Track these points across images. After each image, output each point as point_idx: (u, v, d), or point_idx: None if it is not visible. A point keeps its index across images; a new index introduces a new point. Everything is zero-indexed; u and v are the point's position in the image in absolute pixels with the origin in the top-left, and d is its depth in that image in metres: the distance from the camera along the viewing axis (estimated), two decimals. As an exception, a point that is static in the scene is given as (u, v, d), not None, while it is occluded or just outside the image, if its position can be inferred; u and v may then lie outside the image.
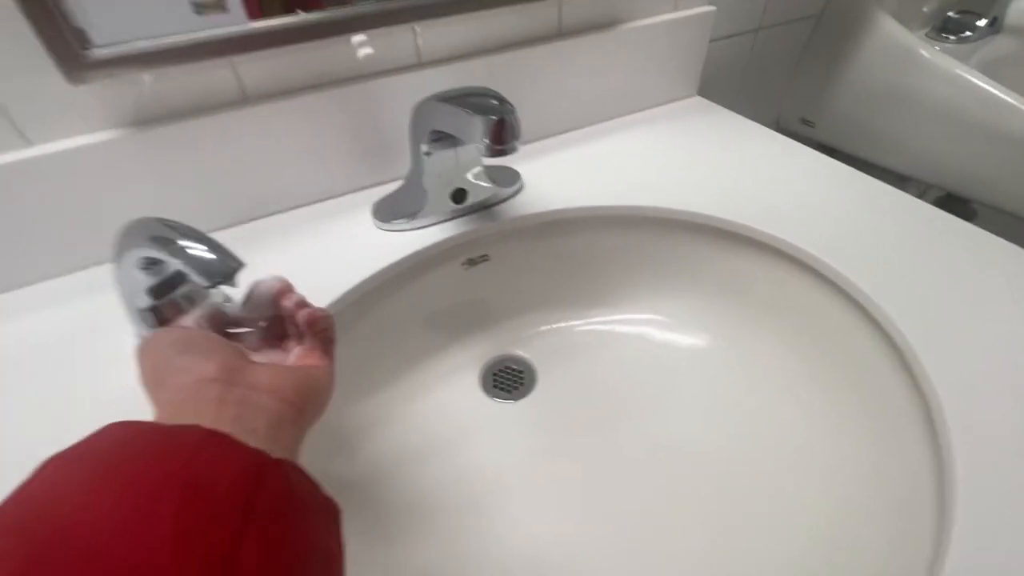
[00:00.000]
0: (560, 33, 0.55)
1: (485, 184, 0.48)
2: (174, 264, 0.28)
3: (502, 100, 0.37)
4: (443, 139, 0.43)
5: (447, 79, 0.49)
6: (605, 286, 0.56)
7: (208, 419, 0.20)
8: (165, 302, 0.34)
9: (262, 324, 0.30)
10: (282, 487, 0.19)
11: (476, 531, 0.42)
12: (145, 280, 0.33)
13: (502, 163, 0.54)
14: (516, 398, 0.51)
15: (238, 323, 0.30)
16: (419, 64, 0.50)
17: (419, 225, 0.47)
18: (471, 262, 0.50)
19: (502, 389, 0.51)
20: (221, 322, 0.30)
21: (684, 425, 0.49)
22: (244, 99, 0.44)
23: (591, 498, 0.44)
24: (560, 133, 0.62)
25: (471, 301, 0.53)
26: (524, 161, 0.56)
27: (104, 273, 0.38)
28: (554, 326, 0.56)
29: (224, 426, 0.20)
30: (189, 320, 0.29)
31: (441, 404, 0.50)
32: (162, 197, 0.43)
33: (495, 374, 0.52)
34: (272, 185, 0.48)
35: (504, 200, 0.50)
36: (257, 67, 0.43)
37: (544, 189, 0.54)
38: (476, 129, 0.35)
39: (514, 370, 0.53)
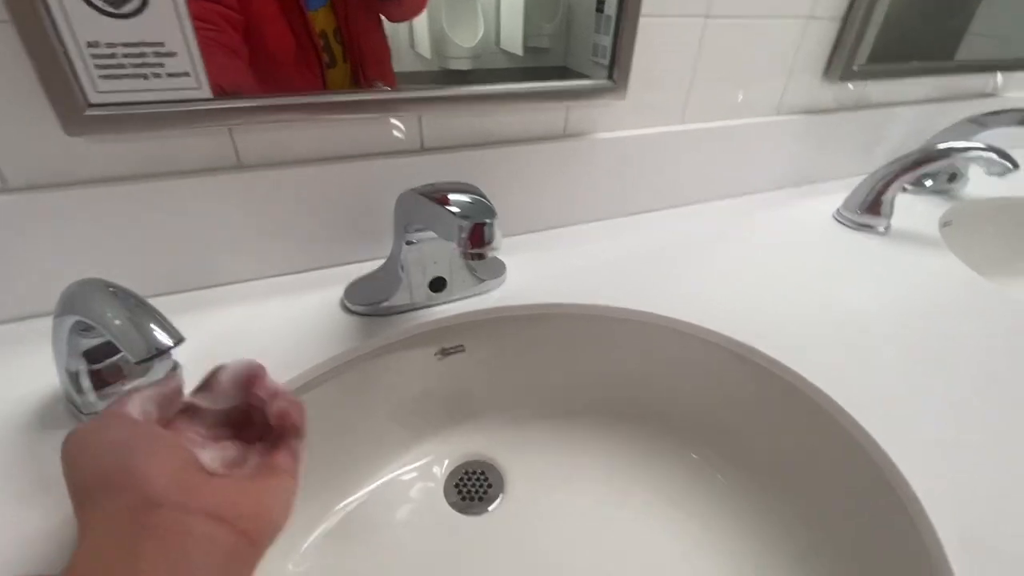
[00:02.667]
0: (565, 135, 0.54)
1: (466, 274, 0.47)
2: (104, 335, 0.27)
3: (483, 202, 0.34)
4: (425, 229, 0.43)
5: (445, 167, 0.49)
6: (580, 388, 0.53)
7: (147, 561, 0.18)
8: (107, 365, 0.32)
9: (220, 410, 0.27)
10: None
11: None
12: (82, 343, 0.30)
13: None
14: (479, 511, 0.47)
15: (193, 408, 0.26)
16: (421, 150, 0.48)
17: (390, 311, 0.44)
18: (444, 352, 0.48)
19: (466, 498, 0.48)
20: (172, 405, 0.26)
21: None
22: (238, 165, 0.43)
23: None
24: (560, 227, 0.59)
25: (442, 394, 0.50)
26: (516, 252, 0.53)
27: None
28: (527, 428, 0.53)
29: (160, 568, 0.18)
30: (134, 405, 0.24)
31: (398, 509, 0.47)
32: (132, 252, 0.42)
33: (460, 479, 0.50)
34: (248, 252, 0.46)
35: (486, 292, 0.48)
36: (254, 136, 0.42)
37: (531, 283, 0.50)
38: (454, 230, 0.33)
39: (481, 476, 0.50)
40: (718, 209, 0.65)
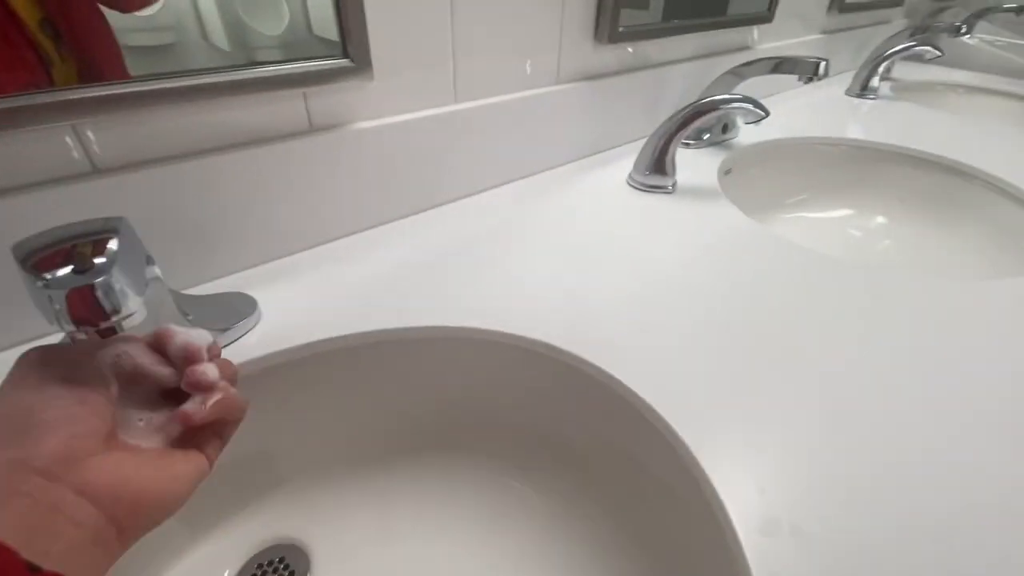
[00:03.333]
0: (312, 129, 0.45)
1: (190, 328, 0.32)
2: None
3: (92, 249, 0.23)
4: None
5: (136, 193, 0.37)
6: (382, 428, 0.45)
7: (5, 526, 0.18)
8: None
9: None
10: None
11: None
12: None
13: (225, 290, 0.42)
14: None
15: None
16: (93, 172, 0.36)
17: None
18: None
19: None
20: (140, 372, 0.23)
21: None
22: None
23: None
24: (326, 242, 0.50)
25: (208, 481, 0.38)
26: (270, 284, 0.43)
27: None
28: (329, 491, 0.44)
29: (15, 538, 0.17)
30: (108, 352, 0.22)
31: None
32: None
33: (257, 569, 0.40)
34: None
35: (232, 342, 0.38)
36: None
37: (295, 318, 0.40)
38: (45, 305, 0.22)
39: (279, 564, 0.41)
40: (508, 194, 0.60)
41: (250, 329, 0.39)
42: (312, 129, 0.45)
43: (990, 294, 0.46)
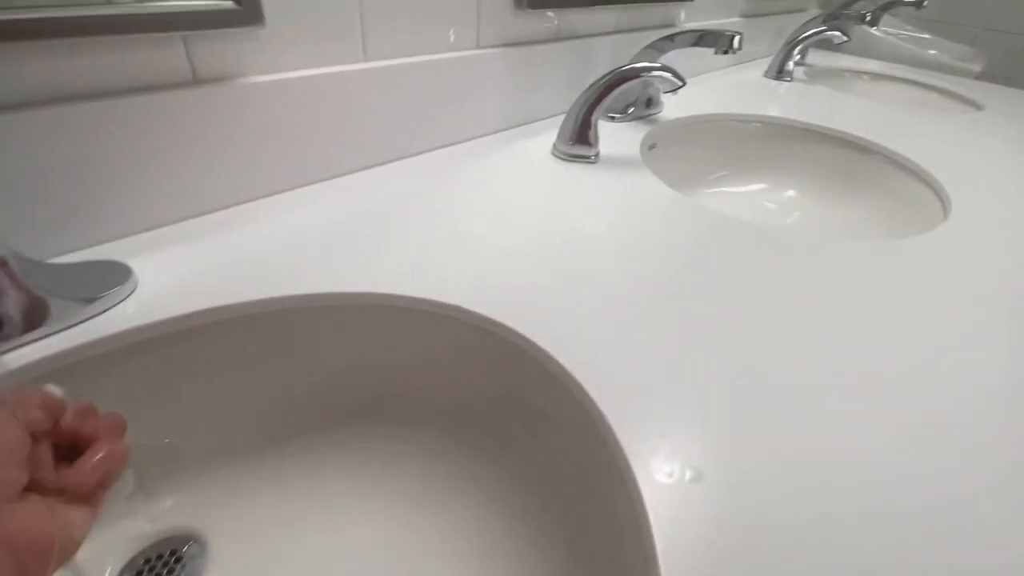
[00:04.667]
0: (196, 81, 0.40)
1: (50, 296, 0.32)
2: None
3: None
4: None
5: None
6: (284, 405, 0.42)
7: None
8: None
9: None
10: None
11: None
12: None
13: (95, 257, 0.38)
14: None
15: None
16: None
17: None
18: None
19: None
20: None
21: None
22: None
23: None
24: (217, 210, 0.45)
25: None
26: (148, 251, 0.39)
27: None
28: (229, 477, 0.41)
29: None
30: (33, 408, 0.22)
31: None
32: None
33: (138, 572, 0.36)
34: None
35: (100, 312, 0.34)
36: None
37: (177, 287, 0.36)
38: None
39: (168, 559, 0.37)
40: (425, 162, 0.58)
41: (123, 299, 0.35)
42: (196, 81, 0.41)
43: (885, 252, 0.48)
